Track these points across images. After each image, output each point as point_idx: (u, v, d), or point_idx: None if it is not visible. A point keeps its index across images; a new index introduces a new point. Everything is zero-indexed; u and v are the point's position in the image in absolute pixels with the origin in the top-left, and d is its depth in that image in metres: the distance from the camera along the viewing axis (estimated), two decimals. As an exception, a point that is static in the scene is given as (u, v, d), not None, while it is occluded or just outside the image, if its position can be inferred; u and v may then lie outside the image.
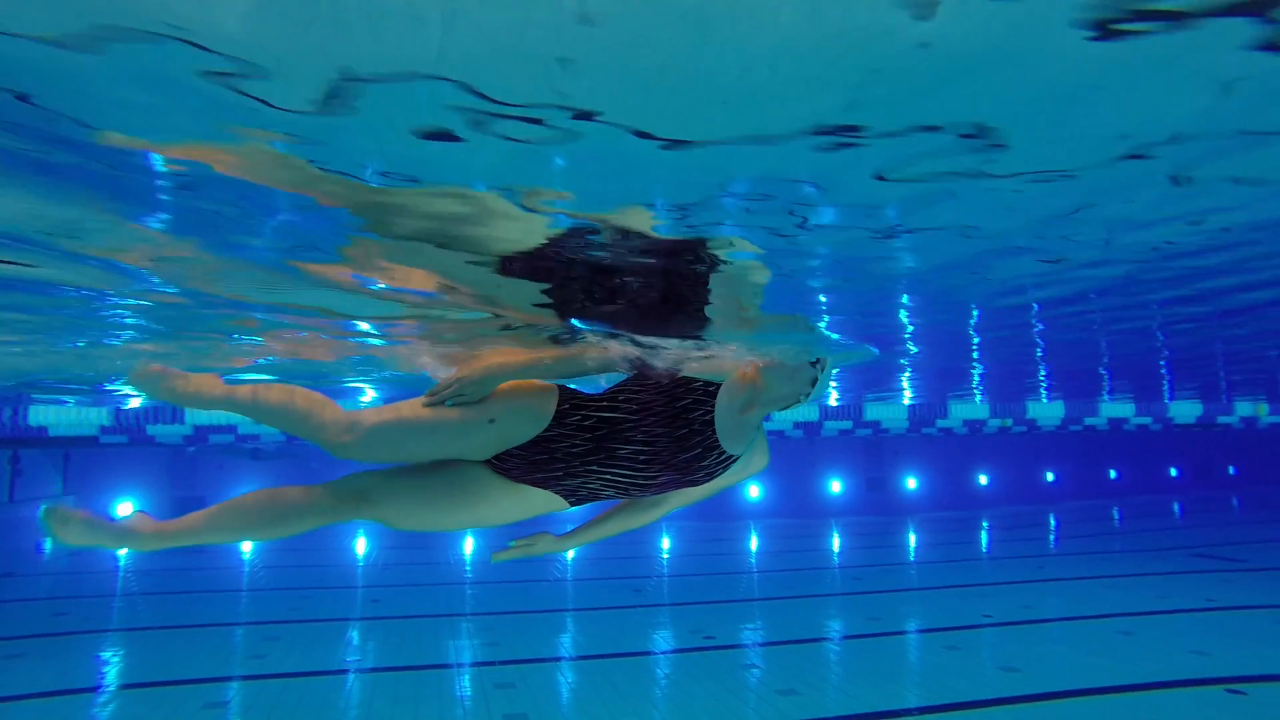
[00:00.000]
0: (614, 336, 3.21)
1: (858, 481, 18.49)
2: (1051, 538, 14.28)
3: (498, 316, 3.07)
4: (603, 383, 2.75)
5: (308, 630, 7.00)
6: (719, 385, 2.52)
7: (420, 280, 2.74)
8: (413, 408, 2.46)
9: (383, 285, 2.84)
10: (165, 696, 5.17)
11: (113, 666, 5.89)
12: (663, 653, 6.28)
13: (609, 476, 2.48)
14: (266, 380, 2.85)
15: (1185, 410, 12.41)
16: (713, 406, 2.48)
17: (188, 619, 7.44)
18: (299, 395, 2.50)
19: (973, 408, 12.00)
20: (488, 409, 2.43)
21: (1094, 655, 5.89)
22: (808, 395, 2.54)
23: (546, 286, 2.70)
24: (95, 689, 5.24)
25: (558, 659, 5.99)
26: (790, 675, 5.59)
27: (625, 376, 2.63)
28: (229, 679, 5.41)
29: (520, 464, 2.46)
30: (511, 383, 2.51)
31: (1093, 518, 16.45)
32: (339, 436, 2.39)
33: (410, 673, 5.65)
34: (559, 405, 2.45)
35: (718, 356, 3.50)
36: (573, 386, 2.58)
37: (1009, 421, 12.49)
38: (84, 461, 14.56)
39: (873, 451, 18.44)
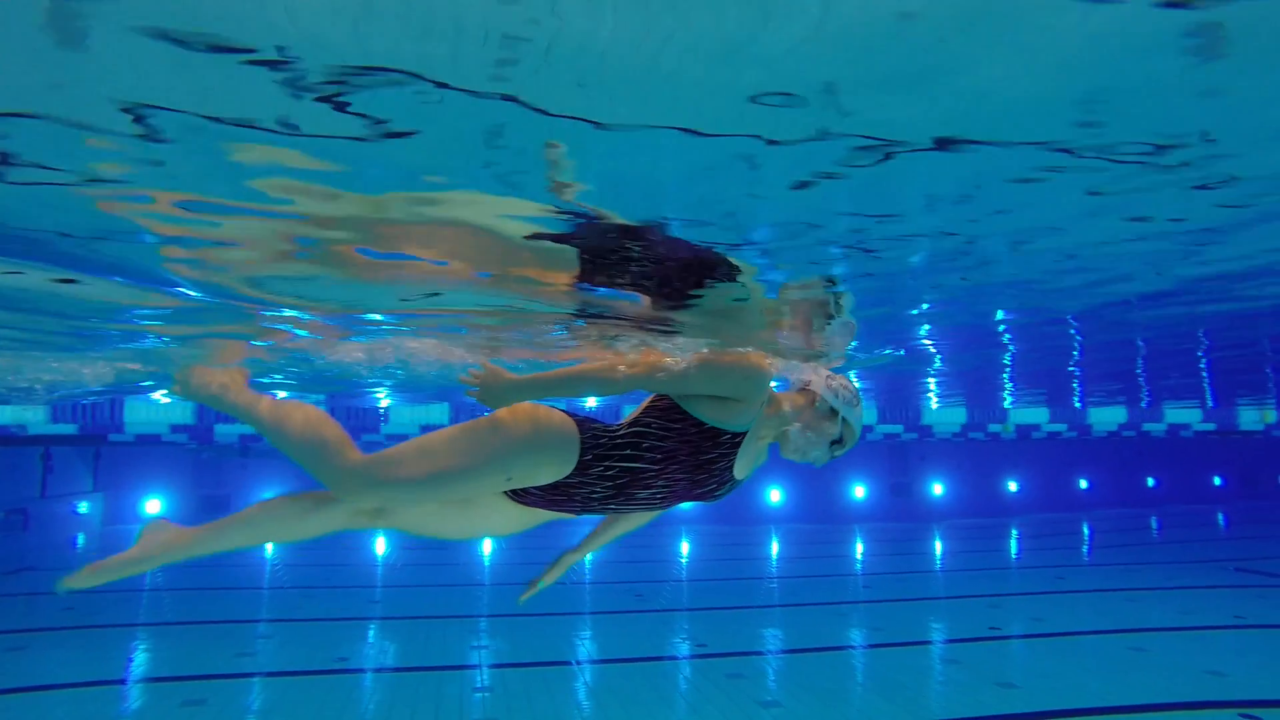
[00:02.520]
0: (640, 325, 3.16)
1: (882, 487, 18.10)
2: (1080, 548, 13.78)
3: (519, 285, 2.98)
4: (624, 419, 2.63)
5: (301, 629, 7.05)
6: (744, 435, 2.46)
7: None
8: (429, 458, 2.32)
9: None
10: (146, 692, 5.24)
11: (104, 662, 5.99)
12: (649, 659, 6.15)
13: (624, 512, 2.56)
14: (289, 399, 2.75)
15: (1190, 417, 12.06)
16: (736, 457, 2.47)
17: (185, 615, 7.56)
18: (321, 421, 2.42)
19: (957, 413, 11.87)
20: (507, 465, 2.33)
21: (1096, 673, 5.61)
22: (816, 461, 2.63)
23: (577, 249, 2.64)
24: (82, 684, 5.32)
25: (539, 664, 5.91)
26: (776, 686, 5.44)
27: (647, 412, 2.47)
28: (212, 677, 5.45)
29: (538, 499, 2.44)
30: (534, 424, 2.36)
31: (1126, 527, 15.83)
32: (351, 474, 2.30)
33: (391, 675, 5.64)
34: (581, 456, 2.36)
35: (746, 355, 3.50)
36: (595, 425, 2.45)
37: (1006, 428, 12.31)
38: (113, 459, 14.97)
39: (898, 456, 18.03)
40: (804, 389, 2.62)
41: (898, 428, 12.76)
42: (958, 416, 12.11)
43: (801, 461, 2.64)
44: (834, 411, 2.56)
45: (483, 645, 6.51)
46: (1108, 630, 7.02)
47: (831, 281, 3.26)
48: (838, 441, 2.60)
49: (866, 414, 11.90)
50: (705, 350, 2.81)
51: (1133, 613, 7.80)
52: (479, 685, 5.28)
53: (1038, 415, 12.25)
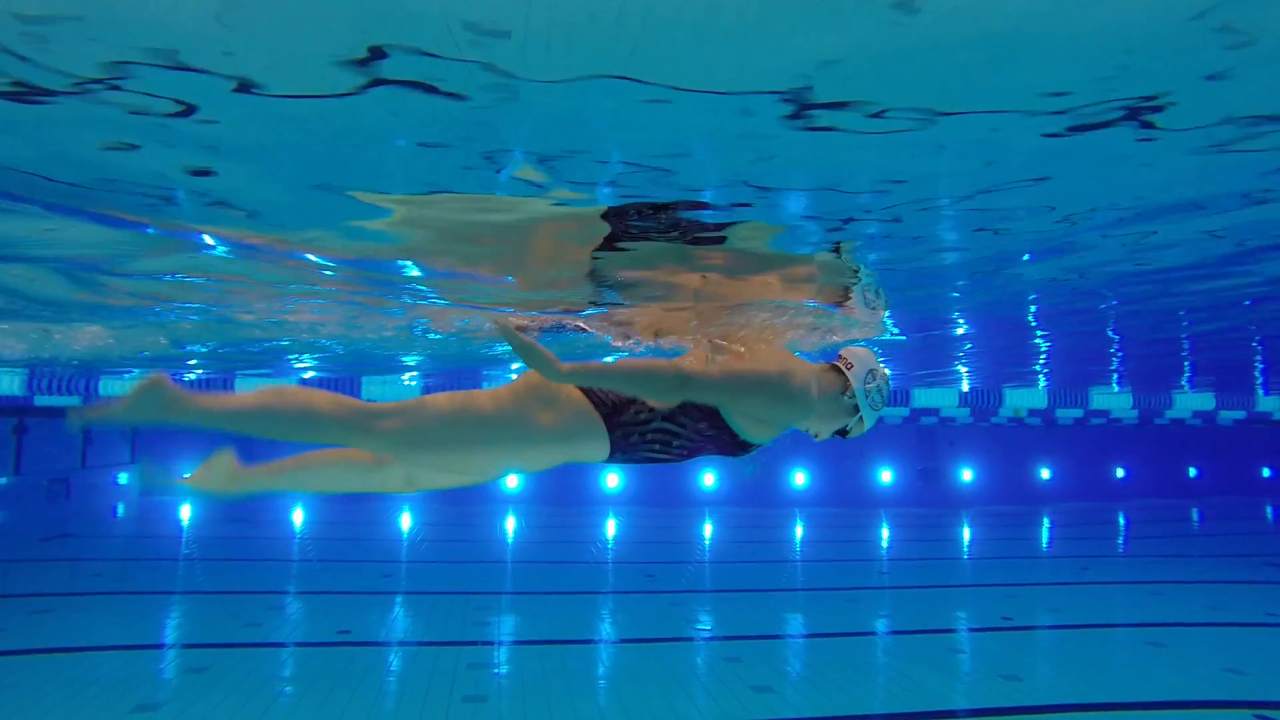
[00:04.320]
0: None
1: (909, 472, 17.80)
2: (1111, 539, 13.38)
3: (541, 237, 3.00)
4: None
5: (310, 601, 7.20)
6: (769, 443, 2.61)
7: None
8: (464, 409, 2.34)
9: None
10: (152, 659, 5.40)
11: (119, 627, 6.19)
12: (648, 641, 6.13)
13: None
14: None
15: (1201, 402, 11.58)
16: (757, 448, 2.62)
17: (206, 585, 7.78)
18: (318, 394, 2.40)
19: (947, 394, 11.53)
20: (526, 448, 2.42)
21: (1106, 667, 5.42)
22: (820, 433, 2.66)
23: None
24: (96, 648, 5.51)
25: (535, 642, 5.94)
26: (771, 671, 5.37)
27: (682, 409, 2.44)
28: (217, 645, 5.59)
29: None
30: (564, 419, 2.36)
31: (1161, 518, 15.33)
32: (377, 424, 2.28)
33: (389, 648, 5.72)
34: (610, 455, 2.45)
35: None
36: (624, 420, 2.42)
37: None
38: (149, 433, 15.44)
39: (925, 441, 17.70)
40: (842, 371, 2.60)
41: (904, 410, 12.48)
42: (951, 399, 11.76)
43: (802, 430, 2.71)
44: (857, 409, 2.59)
45: (483, 622, 6.56)
46: (1126, 624, 6.80)
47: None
48: (843, 430, 2.66)
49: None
50: (768, 364, 2.70)
51: (1156, 607, 7.54)
52: (473, 661, 5.32)
53: (1036, 398, 11.85)
